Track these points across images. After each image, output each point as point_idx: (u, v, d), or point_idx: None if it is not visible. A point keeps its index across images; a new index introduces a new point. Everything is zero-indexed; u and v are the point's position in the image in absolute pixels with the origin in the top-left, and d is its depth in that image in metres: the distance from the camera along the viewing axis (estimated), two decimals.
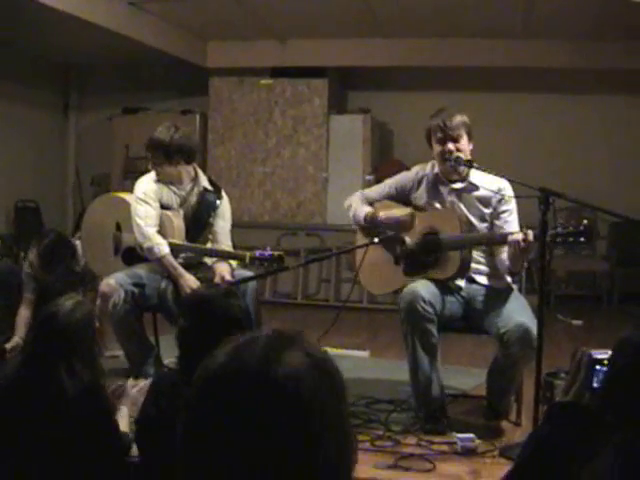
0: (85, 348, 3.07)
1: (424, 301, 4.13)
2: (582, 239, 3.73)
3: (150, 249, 4.87)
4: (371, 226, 4.56)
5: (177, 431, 1.34)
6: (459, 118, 4.35)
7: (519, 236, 3.96)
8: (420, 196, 4.55)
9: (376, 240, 4.45)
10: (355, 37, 9.48)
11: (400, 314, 4.23)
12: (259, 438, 1.24)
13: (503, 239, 4.15)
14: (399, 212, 4.52)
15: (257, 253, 4.63)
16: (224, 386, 1.29)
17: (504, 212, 4.38)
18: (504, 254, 4.24)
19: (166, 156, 4.92)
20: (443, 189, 4.49)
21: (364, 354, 6.49)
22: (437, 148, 4.37)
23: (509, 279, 4.48)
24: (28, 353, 3.09)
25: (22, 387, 2.97)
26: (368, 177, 9.55)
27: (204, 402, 1.31)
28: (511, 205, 4.40)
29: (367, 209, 4.60)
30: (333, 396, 1.34)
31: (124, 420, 3.57)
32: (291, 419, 1.26)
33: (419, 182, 4.56)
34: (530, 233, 3.90)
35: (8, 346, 5.24)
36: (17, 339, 5.34)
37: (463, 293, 4.38)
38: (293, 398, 1.27)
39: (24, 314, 5.46)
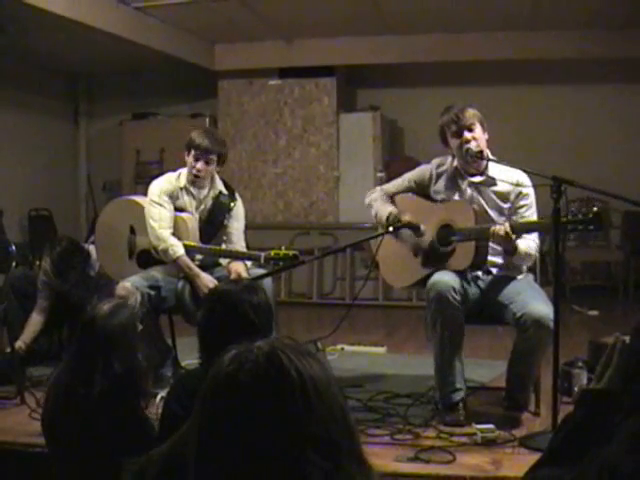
0: (124, 351, 3.08)
1: (454, 290, 4.14)
2: (592, 227, 3.72)
3: (165, 251, 4.89)
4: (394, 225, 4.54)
5: (189, 431, 1.38)
6: (471, 110, 4.39)
7: (500, 229, 4.01)
8: (439, 190, 4.55)
9: (391, 229, 4.46)
10: (362, 35, 9.47)
11: (429, 304, 4.22)
12: (265, 439, 1.30)
13: (485, 235, 4.19)
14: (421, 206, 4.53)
15: (272, 253, 4.64)
16: (227, 389, 1.34)
17: (521, 207, 4.38)
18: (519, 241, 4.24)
19: (219, 157, 4.99)
20: (462, 183, 4.49)
21: (381, 350, 6.49)
22: (455, 142, 4.37)
23: (524, 269, 4.48)
24: (70, 357, 3.14)
25: (64, 391, 3.04)
26: (379, 174, 9.56)
27: (211, 406, 1.36)
28: (529, 200, 4.39)
29: (390, 208, 4.58)
30: (330, 393, 1.39)
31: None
32: (292, 416, 1.32)
33: (438, 176, 4.56)
34: (507, 224, 3.99)
35: (8, 350, 5.26)
36: (20, 343, 5.36)
37: (480, 283, 4.38)
38: (297, 397, 1.33)
39: (35, 319, 5.49)
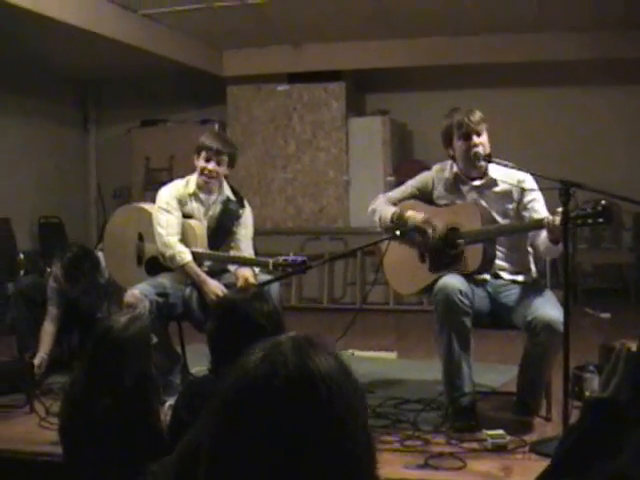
0: (137, 363, 3.07)
1: (461, 293, 4.11)
2: (601, 220, 3.68)
3: (172, 257, 4.88)
4: (399, 225, 4.52)
5: (204, 436, 1.35)
6: (479, 113, 4.38)
7: (555, 219, 3.90)
8: (441, 195, 4.55)
9: (398, 233, 4.43)
10: (370, 39, 9.48)
11: (436, 307, 4.19)
12: (293, 442, 1.26)
13: (538, 225, 4.11)
14: (425, 210, 4.51)
15: (281, 259, 4.62)
16: (258, 394, 1.29)
17: (530, 201, 4.36)
18: (539, 237, 4.19)
19: (230, 160, 5.01)
20: (463, 188, 4.48)
21: (391, 355, 6.47)
22: (461, 144, 4.36)
23: (534, 273, 4.46)
24: (83, 369, 3.13)
25: (76, 402, 3.04)
26: (389, 178, 9.55)
27: (237, 410, 1.31)
28: (536, 194, 4.37)
29: (393, 209, 4.58)
30: (358, 397, 1.35)
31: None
32: (325, 422, 1.28)
33: (439, 183, 4.55)
34: (559, 210, 3.83)
35: (35, 362, 5.26)
36: (42, 355, 5.36)
37: (489, 288, 4.35)
38: (326, 401, 1.28)
39: (49, 329, 5.48)
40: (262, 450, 1.26)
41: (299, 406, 1.28)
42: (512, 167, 4.35)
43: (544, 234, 4.10)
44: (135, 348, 3.06)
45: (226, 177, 5.14)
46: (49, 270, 5.62)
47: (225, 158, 4.98)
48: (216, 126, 10.12)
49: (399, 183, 5.00)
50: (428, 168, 4.78)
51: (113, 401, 2.94)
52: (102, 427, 2.92)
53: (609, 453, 1.69)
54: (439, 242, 4.40)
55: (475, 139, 4.32)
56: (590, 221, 3.69)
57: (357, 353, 6.33)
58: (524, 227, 4.35)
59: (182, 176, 5.19)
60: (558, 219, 3.84)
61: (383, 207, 4.63)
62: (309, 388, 1.28)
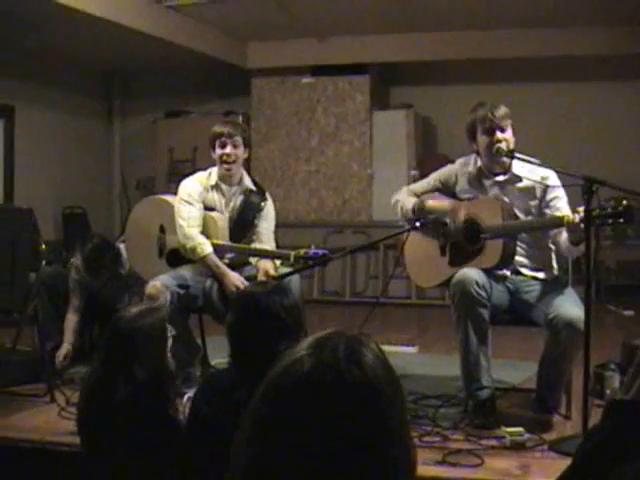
0: (150, 354, 3.08)
1: (478, 285, 4.09)
2: (622, 220, 3.64)
3: (193, 249, 4.89)
4: (420, 216, 4.51)
5: (241, 434, 1.34)
6: (504, 108, 4.33)
7: (575, 217, 3.87)
8: (464, 190, 4.52)
9: (418, 224, 4.42)
10: (395, 32, 9.45)
11: (453, 298, 4.18)
12: (338, 441, 1.25)
13: (558, 222, 4.07)
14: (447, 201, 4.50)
15: (302, 252, 4.62)
16: (309, 394, 1.29)
17: (553, 199, 4.32)
18: (561, 236, 4.16)
19: (244, 140, 5.05)
20: (486, 182, 4.45)
21: (412, 350, 6.46)
22: (484, 139, 4.32)
23: (556, 271, 4.43)
24: (97, 360, 3.15)
25: (92, 394, 3.07)
26: (413, 172, 9.52)
27: (283, 406, 1.31)
28: (559, 192, 4.32)
29: (414, 199, 4.57)
30: (399, 397, 1.36)
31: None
32: (370, 422, 1.28)
33: (463, 177, 4.53)
34: (581, 208, 3.79)
35: (60, 354, 5.30)
36: (67, 345, 5.39)
37: (509, 284, 4.33)
38: (372, 402, 1.29)
39: (72, 319, 5.51)
40: (307, 449, 1.26)
41: (346, 405, 1.27)
42: (536, 163, 4.32)
43: (565, 234, 4.08)
44: (146, 339, 3.08)
45: (248, 165, 5.14)
46: (71, 261, 5.65)
47: (239, 139, 5.00)
48: (240, 118, 10.10)
49: (423, 177, 4.98)
50: (452, 162, 4.76)
51: (128, 392, 2.95)
52: (118, 417, 2.94)
53: (631, 456, 1.67)
54: (459, 235, 4.39)
55: (498, 134, 4.28)
56: (610, 221, 3.66)
57: None
58: (544, 224, 4.31)
59: (205, 168, 5.20)
60: (578, 218, 3.82)
61: (405, 198, 4.63)
62: (356, 385, 1.28)
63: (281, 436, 1.28)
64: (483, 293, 4.11)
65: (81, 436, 3.12)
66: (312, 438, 1.26)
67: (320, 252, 4.60)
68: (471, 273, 4.15)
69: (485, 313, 4.14)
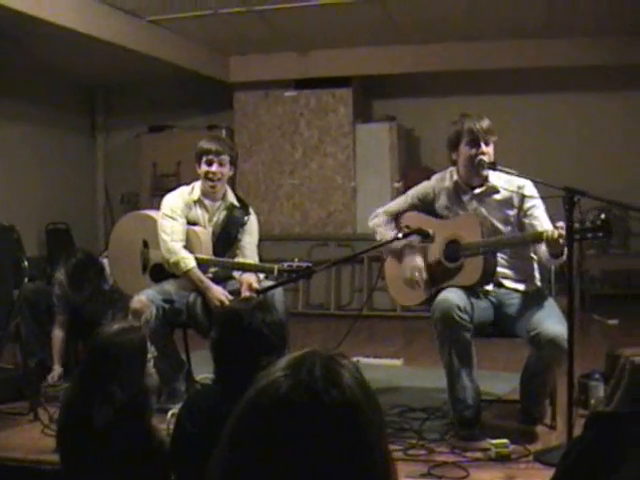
0: (128, 372, 3.07)
1: (459, 309, 4.07)
2: (600, 234, 3.65)
3: (176, 264, 4.88)
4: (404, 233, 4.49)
5: (218, 452, 1.34)
6: (488, 122, 4.35)
7: (554, 233, 3.89)
8: (443, 205, 4.52)
9: (400, 235, 4.42)
10: (377, 45, 9.47)
11: (435, 325, 4.16)
12: (315, 460, 1.25)
13: (538, 238, 4.08)
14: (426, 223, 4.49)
15: (286, 265, 4.63)
16: (286, 416, 1.28)
17: (530, 208, 4.33)
18: (541, 247, 4.16)
19: (231, 159, 5.06)
20: (464, 196, 4.46)
21: (397, 362, 6.45)
22: (467, 150, 4.33)
23: (538, 282, 4.44)
24: (76, 377, 3.15)
25: (69, 411, 3.07)
26: (396, 184, 9.53)
27: (257, 425, 1.30)
28: (536, 200, 4.34)
29: (393, 233, 4.55)
30: (378, 414, 1.36)
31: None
32: (349, 442, 1.28)
33: (440, 192, 4.53)
34: (561, 224, 3.80)
35: (53, 375, 5.35)
36: (58, 368, 5.43)
37: (492, 298, 4.33)
38: (351, 422, 1.29)
39: (58, 336, 5.51)
40: (285, 470, 1.25)
41: (325, 425, 1.27)
42: (514, 174, 4.32)
43: (544, 246, 4.09)
44: (125, 355, 3.07)
45: (232, 180, 5.14)
46: (55, 276, 5.63)
47: (226, 157, 5.01)
48: (223, 132, 10.09)
49: (406, 189, 4.97)
50: (428, 179, 4.75)
51: (105, 409, 2.94)
52: (96, 434, 2.92)
53: (611, 468, 1.68)
54: (439, 254, 4.39)
55: (483, 147, 4.29)
56: (590, 235, 3.66)
57: (363, 360, 6.31)
58: (523, 240, 4.31)
59: (189, 182, 5.19)
60: (557, 234, 3.84)
61: (384, 229, 4.62)
62: (334, 406, 1.28)
63: (258, 457, 1.27)
64: (465, 317, 4.09)
65: (60, 453, 3.10)
66: (290, 459, 1.25)
67: (304, 264, 4.61)
68: (452, 297, 4.13)
69: (468, 336, 4.13)
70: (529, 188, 4.34)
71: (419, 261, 4.44)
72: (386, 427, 1.40)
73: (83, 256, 5.57)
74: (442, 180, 4.55)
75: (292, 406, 1.27)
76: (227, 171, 5.03)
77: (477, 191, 4.42)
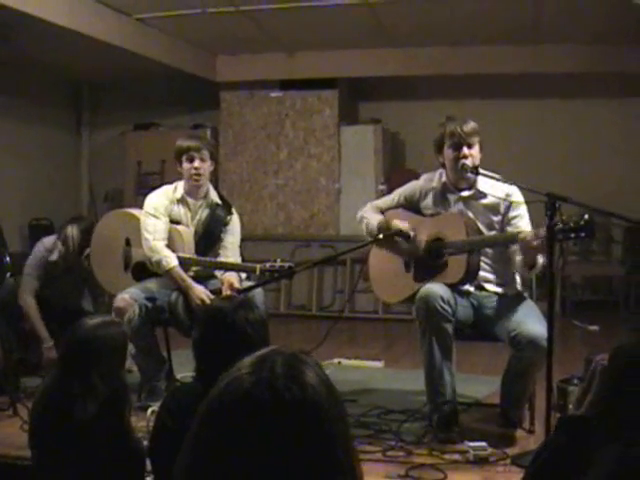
0: (107, 366, 3.07)
1: (442, 300, 4.12)
2: (583, 234, 3.67)
3: (158, 262, 4.89)
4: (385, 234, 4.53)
5: (183, 450, 1.35)
6: (473, 124, 4.37)
7: (529, 235, 3.93)
8: (428, 205, 4.55)
9: (381, 236, 4.45)
10: (364, 47, 9.47)
11: (418, 314, 4.19)
12: (277, 459, 1.26)
13: (511, 239, 4.13)
14: (411, 219, 4.52)
15: (268, 265, 4.65)
16: (248, 413, 1.29)
17: (514, 217, 4.36)
18: (516, 256, 4.22)
19: (211, 154, 5.10)
20: (451, 197, 4.48)
21: (378, 364, 6.47)
22: (450, 154, 4.35)
23: (519, 286, 4.46)
24: (53, 371, 3.14)
25: (45, 406, 3.04)
26: (381, 187, 9.55)
27: (221, 422, 1.31)
28: (521, 210, 4.37)
29: (379, 217, 4.59)
30: (341, 414, 1.37)
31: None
32: (311, 440, 1.28)
33: (427, 191, 4.56)
34: (542, 230, 3.84)
35: (47, 347, 5.44)
36: (48, 339, 5.50)
37: (472, 299, 4.36)
38: (311, 416, 1.30)
39: (31, 302, 5.56)
40: (247, 468, 1.26)
41: (286, 423, 1.28)
42: (499, 179, 4.35)
43: (520, 256, 4.14)
44: (106, 349, 3.07)
45: (214, 177, 5.15)
46: (67, 229, 5.57)
47: (206, 152, 5.04)
48: (208, 132, 10.08)
49: (390, 192, 5.00)
50: (417, 178, 4.78)
51: (89, 402, 2.94)
52: (71, 429, 2.92)
53: (579, 470, 1.70)
54: (423, 251, 4.42)
55: (465, 150, 4.31)
56: (572, 235, 3.68)
57: (344, 362, 6.33)
58: (500, 240, 4.35)
59: (172, 181, 5.20)
60: (535, 243, 3.87)
61: (370, 215, 4.65)
62: (295, 404, 1.29)
63: (221, 454, 1.29)
64: (448, 308, 4.13)
65: (34, 446, 3.09)
66: (253, 456, 1.26)
67: (286, 265, 4.63)
68: (436, 288, 4.17)
69: (449, 328, 4.17)
70: (517, 196, 4.37)
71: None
72: (350, 426, 1.40)
73: (89, 224, 5.59)
74: (430, 181, 4.58)
75: (254, 403, 1.28)
76: (208, 166, 5.07)
77: (465, 194, 4.44)
